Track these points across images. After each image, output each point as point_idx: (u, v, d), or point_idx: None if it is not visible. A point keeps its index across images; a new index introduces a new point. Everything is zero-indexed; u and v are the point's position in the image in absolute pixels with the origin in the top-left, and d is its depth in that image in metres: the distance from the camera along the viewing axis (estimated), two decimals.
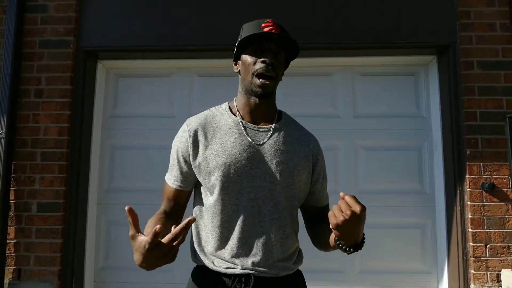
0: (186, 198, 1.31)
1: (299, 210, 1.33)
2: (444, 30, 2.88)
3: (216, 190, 1.19)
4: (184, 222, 0.90)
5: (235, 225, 1.19)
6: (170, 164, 1.30)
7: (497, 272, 2.61)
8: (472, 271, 2.63)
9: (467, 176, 2.72)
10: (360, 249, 1.07)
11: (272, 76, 1.19)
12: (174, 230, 0.91)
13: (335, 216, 0.98)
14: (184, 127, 1.27)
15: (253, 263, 1.17)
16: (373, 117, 3.04)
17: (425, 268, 2.92)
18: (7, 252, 2.76)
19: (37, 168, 2.83)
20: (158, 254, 0.92)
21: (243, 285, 1.16)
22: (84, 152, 2.96)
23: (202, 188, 1.26)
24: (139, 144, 3.09)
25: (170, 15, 2.97)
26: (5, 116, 2.79)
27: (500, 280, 2.59)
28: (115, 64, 3.17)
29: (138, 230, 0.95)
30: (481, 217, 2.67)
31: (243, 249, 1.18)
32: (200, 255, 1.24)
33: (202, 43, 2.94)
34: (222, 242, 1.20)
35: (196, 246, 1.26)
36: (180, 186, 1.27)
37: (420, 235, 2.94)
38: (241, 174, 1.19)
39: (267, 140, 1.24)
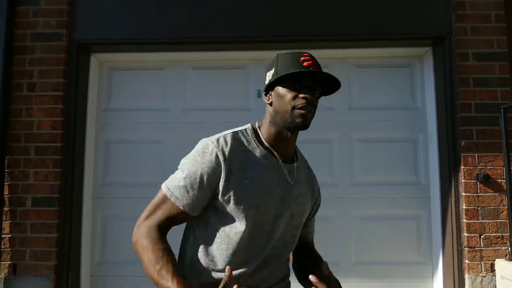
0: (188, 219, 1.22)
1: None
2: (439, 21, 2.86)
3: (242, 224, 1.15)
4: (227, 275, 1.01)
5: (247, 256, 1.19)
6: (182, 183, 1.14)
7: (491, 262, 2.64)
8: (467, 261, 2.66)
9: (462, 167, 2.73)
10: None
11: (311, 110, 1.18)
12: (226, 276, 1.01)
13: None
14: (212, 149, 1.14)
15: None
16: (368, 109, 3.04)
17: (420, 259, 2.94)
18: (3, 247, 2.75)
19: (31, 163, 2.81)
20: None
21: None
22: (78, 146, 2.94)
23: (220, 212, 1.18)
24: (133, 137, 3.07)
25: (164, 7, 2.93)
26: None
27: (494, 270, 2.62)
28: (108, 57, 3.13)
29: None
30: (476, 207, 2.68)
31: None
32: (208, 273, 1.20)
33: (197, 35, 2.91)
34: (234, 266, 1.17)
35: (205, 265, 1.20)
36: (191, 210, 1.15)
37: (415, 226, 2.96)
38: (270, 213, 1.19)
39: (295, 179, 1.25)
